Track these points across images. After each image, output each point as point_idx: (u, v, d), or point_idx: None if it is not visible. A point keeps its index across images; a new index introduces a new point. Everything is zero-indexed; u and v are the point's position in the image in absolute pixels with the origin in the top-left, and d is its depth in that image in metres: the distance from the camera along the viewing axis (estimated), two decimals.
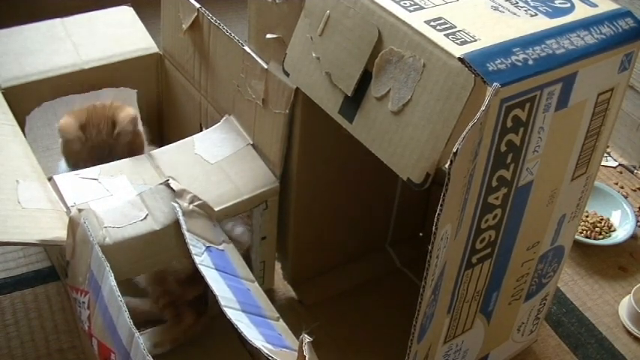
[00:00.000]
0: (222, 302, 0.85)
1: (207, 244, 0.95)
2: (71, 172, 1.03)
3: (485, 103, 0.70)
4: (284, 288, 1.24)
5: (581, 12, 0.82)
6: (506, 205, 0.86)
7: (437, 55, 0.75)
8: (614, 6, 0.84)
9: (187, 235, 0.93)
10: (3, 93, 1.15)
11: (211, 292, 0.87)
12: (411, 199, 1.27)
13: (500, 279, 0.96)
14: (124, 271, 0.92)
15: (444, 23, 0.78)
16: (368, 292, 1.25)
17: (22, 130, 1.13)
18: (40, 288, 1.22)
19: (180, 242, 0.94)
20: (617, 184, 1.57)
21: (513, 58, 0.74)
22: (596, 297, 1.31)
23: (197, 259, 0.91)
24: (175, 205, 0.96)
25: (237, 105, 1.11)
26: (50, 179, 1.01)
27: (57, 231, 0.92)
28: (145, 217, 0.95)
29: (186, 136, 1.12)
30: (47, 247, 1.23)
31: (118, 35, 1.30)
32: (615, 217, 1.44)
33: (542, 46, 0.76)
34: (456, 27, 0.77)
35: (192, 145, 1.10)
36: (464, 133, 0.68)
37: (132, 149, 1.11)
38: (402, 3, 0.81)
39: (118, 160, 1.05)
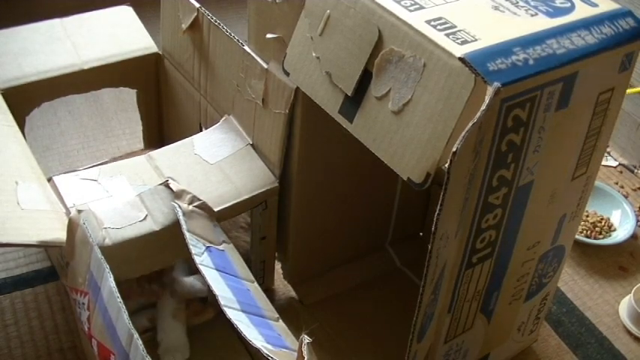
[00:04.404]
0: (222, 302, 0.85)
1: (208, 244, 0.95)
2: (70, 172, 1.03)
3: (486, 102, 0.70)
4: (284, 288, 1.24)
5: (582, 12, 0.82)
6: (507, 205, 0.85)
7: (437, 54, 0.75)
8: (615, 6, 0.84)
9: (187, 235, 0.93)
10: (2, 94, 1.14)
11: (211, 292, 0.87)
12: (411, 199, 1.27)
13: (501, 279, 0.96)
14: (123, 271, 0.92)
15: (445, 23, 0.78)
16: (368, 292, 1.25)
17: (22, 130, 1.13)
18: (40, 288, 1.22)
19: (180, 243, 0.94)
20: (617, 183, 1.56)
21: (514, 57, 0.74)
22: (596, 297, 1.31)
23: (197, 259, 0.91)
24: (175, 205, 0.95)
25: (236, 105, 1.11)
26: (50, 180, 1.01)
27: (56, 232, 0.91)
28: (144, 218, 0.95)
29: (186, 136, 1.12)
30: (47, 247, 1.23)
31: (118, 35, 1.30)
32: (615, 217, 1.43)
33: (543, 45, 0.76)
34: (456, 27, 0.77)
35: (191, 146, 1.10)
36: (463, 132, 0.68)
37: None
38: (402, 3, 0.81)
39: None
